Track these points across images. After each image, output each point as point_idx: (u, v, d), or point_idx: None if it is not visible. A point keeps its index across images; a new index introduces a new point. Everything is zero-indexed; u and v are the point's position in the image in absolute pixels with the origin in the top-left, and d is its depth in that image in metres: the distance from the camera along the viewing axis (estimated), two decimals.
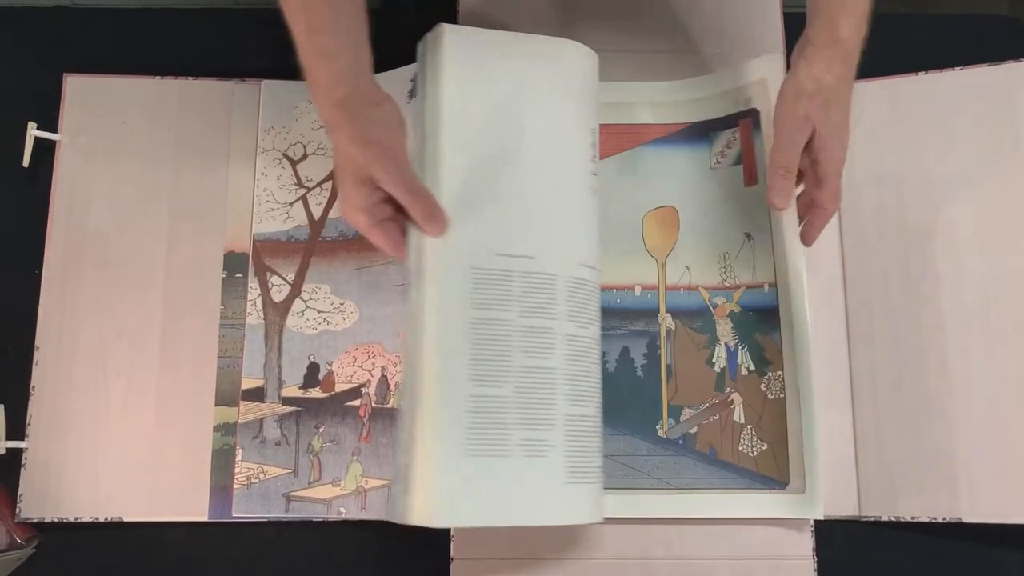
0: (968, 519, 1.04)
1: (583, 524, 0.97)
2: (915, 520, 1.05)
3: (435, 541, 1.06)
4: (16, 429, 1.07)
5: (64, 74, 1.15)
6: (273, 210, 1.13)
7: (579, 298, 0.99)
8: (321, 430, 1.08)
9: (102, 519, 1.06)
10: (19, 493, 1.06)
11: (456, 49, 1.01)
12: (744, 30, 1.18)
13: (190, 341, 1.10)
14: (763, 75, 1.13)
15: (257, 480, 1.06)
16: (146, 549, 1.08)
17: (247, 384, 1.09)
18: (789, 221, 1.09)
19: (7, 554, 1.04)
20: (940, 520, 1.05)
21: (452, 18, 1.17)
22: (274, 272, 1.11)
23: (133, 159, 1.13)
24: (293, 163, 1.14)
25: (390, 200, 0.94)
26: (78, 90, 1.15)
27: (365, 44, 0.93)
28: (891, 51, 1.17)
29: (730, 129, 1.13)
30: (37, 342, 1.09)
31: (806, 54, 0.99)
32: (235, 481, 1.06)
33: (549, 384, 0.96)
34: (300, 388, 1.09)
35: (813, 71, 0.99)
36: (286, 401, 1.08)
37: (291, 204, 1.13)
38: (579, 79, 1.05)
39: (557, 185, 1.01)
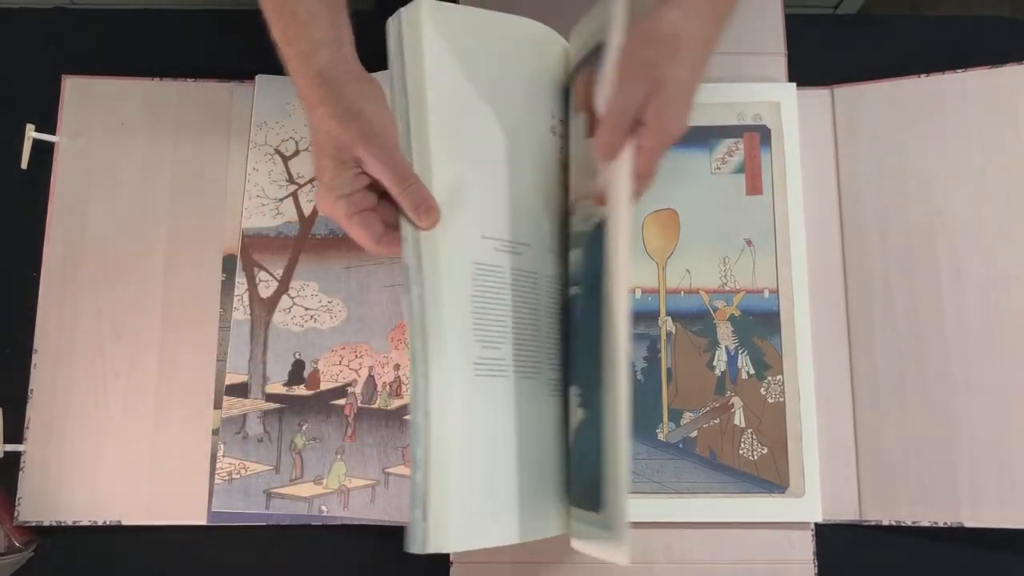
0: (969, 524, 1.03)
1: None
2: (916, 524, 1.04)
3: None
4: (15, 432, 1.07)
5: (63, 75, 1.15)
6: (263, 205, 1.12)
7: (553, 296, 0.99)
8: (304, 428, 1.07)
9: (101, 522, 1.06)
10: (18, 496, 1.06)
11: (437, 26, 0.93)
12: (745, 31, 1.17)
13: (189, 344, 1.09)
14: (777, 99, 1.13)
15: (238, 476, 1.06)
16: (145, 552, 1.08)
17: (231, 379, 1.08)
18: (794, 230, 1.09)
19: (6, 557, 1.04)
20: (941, 524, 1.04)
21: None
22: (262, 268, 1.11)
23: (132, 161, 1.13)
24: (285, 159, 1.14)
25: (373, 188, 0.88)
26: (77, 92, 1.15)
27: (344, 14, 0.89)
28: (893, 53, 1.17)
29: (732, 139, 1.13)
30: (36, 345, 1.09)
31: None
32: (216, 476, 1.06)
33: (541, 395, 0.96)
34: (284, 385, 1.08)
35: (671, 14, 0.88)
36: (270, 398, 1.08)
37: (281, 200, 1.13)
38: (549, 64, 1.03)
39: (533, 173, 0.99)
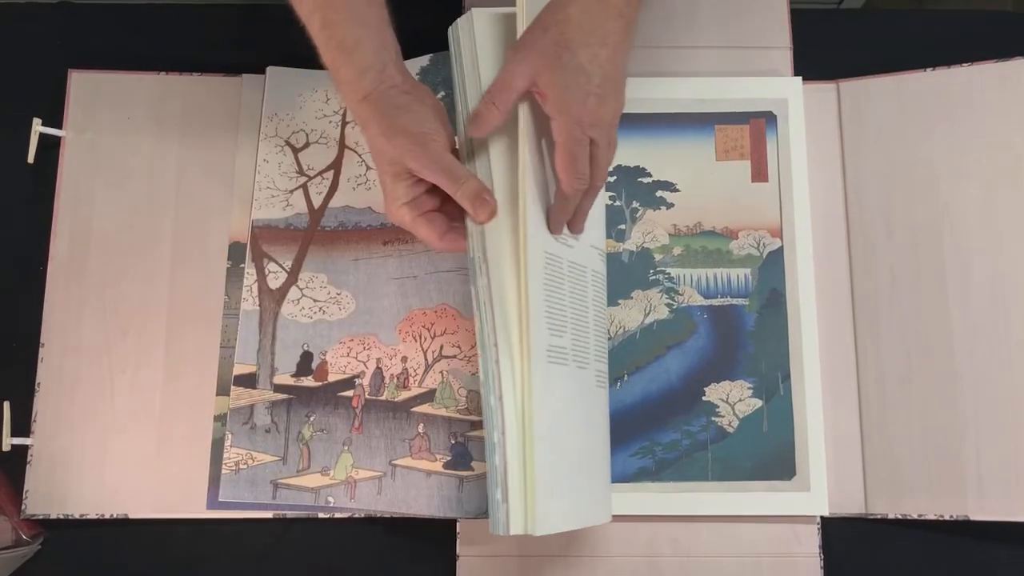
0: (975, 517, 1.03)
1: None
2: (922, 518, 1.05)
3: (441, 538, 1.06)
4: (22, 426, 1.07)
5: (69, 70, 1.15)
6: (273, 197, 1.12)
7: (600, 288, 1.02)
8: (312, 419, 1.07)
9: (107, 516, 1.06)
10: (25, 490, 1.06)
11: (490, 33, 0.97)
12: (750, 26, 1.17)
13: (195, 336, 1.10)
14: (785, 96, 1.14)
15: (246, 466, 1.05)
16: (151, 546, 1.08)
17: (239, 370, 1.08)
18: (799, 221, 1.09)
19: (13, 551, 1.04)
20: (947, 518, 1.04)
21: (457, 15, 1.17)
22: (271, 259, 1.10)
23: (138, 155, 1.13)
24: (295, 151, 1.14)
25: (434, 191, 0.92)
26: (83, 86, 1.15)
27: (388, 32, 0.91)
28: (898, 48, 1.17)
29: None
30: (42, 339, 1.09)
31: None
32: (223, 467, 1.06)
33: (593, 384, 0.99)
34: (292, 376, 1.08)
35: (556, 2, 0.89)
36: (278, 388, 1.08)
37: (291, 192, 1.12)
38: None
39: None
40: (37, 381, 1.08)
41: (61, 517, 1.06)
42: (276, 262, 1.10)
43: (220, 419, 1.07)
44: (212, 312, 1.10)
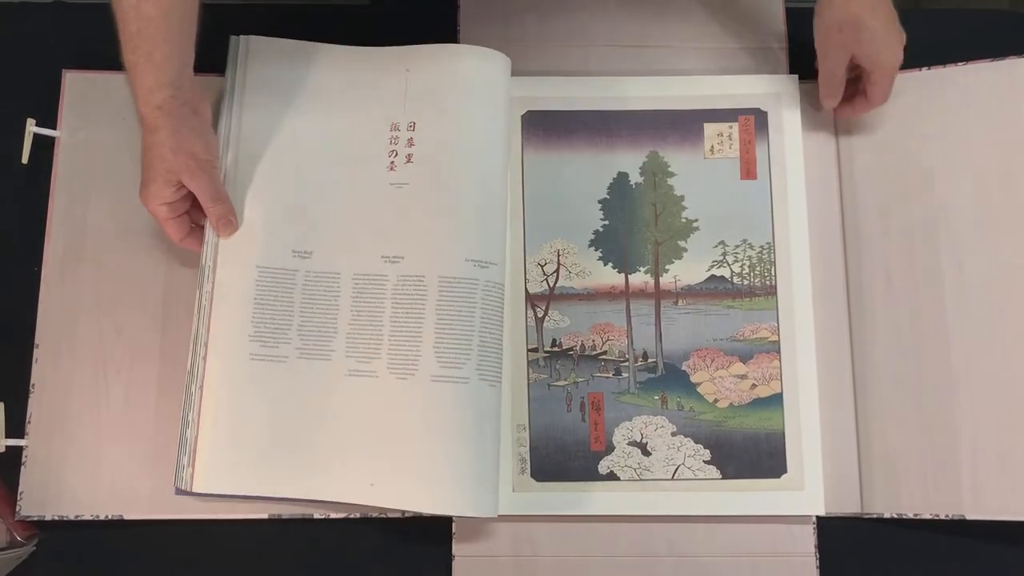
0: (971, 516, 1.03)
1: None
2: (918, 517, 1.05)
3: (437, 538, 1.06)
4: (16, 427, 1.07)
5: (63, 70, 1.15)
6: None
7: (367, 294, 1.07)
8: None
9: (102, 517, 1.05)
10: (19, 491, 1.05)
11: (259, 58, 1.11)
12: (746, 25, 1.18)
13: (190, 337, 1.08)
14: (777, 91, 1.14)
15: None
16: (147, 547, 1.07)
17: None
18: (794, 225, 1.09)
19: (7, 552, 1.04)
20: (943, 517, 1.04)
21: (453, 15, 1.17)
22: None
23: (133, 155, 1.10)
24: None
25: (189, 196, 1.03)
26: (77, 86, 1.14)
27: (190, 50, 1.00)
28: None
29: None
30: (37, 339, 1.09)
31: None
32: None
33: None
34: None
35: (836, 2, 1.05)
36: None
37: None
38: (390, 83, 1.11)
39: (348, 187, 1.09)
40: (32, 382, 1.08)
41: (56, 518, 1.05)
42: None
43: None
44: None
